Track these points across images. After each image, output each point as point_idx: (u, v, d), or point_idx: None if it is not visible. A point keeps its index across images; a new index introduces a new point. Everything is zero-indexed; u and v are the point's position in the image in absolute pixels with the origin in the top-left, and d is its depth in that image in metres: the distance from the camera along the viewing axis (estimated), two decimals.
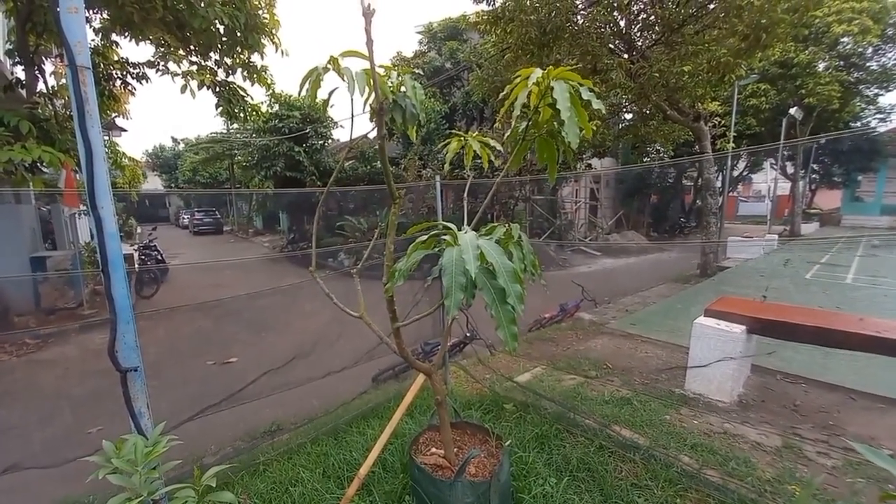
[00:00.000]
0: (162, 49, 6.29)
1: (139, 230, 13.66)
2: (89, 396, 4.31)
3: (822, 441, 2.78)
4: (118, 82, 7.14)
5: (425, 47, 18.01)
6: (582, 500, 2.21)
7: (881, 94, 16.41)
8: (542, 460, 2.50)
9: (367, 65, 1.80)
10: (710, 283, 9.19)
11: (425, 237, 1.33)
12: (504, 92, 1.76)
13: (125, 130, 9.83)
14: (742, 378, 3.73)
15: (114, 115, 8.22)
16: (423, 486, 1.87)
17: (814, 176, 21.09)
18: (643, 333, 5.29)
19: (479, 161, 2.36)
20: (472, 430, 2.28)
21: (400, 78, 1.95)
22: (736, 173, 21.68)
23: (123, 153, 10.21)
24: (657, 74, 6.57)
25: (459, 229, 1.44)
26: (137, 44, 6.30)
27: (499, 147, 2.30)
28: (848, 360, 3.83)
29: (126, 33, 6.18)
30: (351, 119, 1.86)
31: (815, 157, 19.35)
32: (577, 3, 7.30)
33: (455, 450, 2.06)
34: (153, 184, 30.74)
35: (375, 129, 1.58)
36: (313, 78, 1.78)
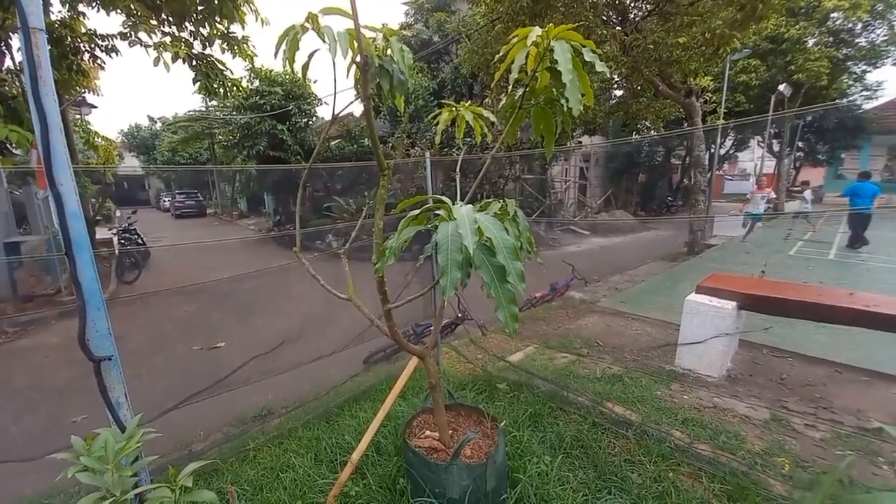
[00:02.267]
0: (133, 18, 5.86)
1: (118, 213, 13.19)
2: (72, 384, 4.18)
3: (809, 414, 2.83)
4: (86, 55, 6.68)
5: (412, 19, 17.35)
6: (576, 477, 2.20)
7: (869, 71, 16.47)
8: (537, 439, 2.49)
9: (349, 24, 1.65)
10: (697, 260, 9.30)
11: (417, 212, 1.22)
12: (500, 54, 1.63)
13: (95, 107, 9.31)
14: (730, 353, 3.77)
15: (83, 91, 7.74)
16: (418, 470, 1.82)
17: (798, 154, 21.30)
18: (633, 311, 5.32)
19: (469, 139, 2.24)
20: (466, 411, 2.24)
21: (387, 41, 1.80)
22: (722, 151, 21.77)
23: (96, 132, 9.72)
24: (651, 46, 6.41)
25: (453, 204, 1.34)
26: (108, 13, 5.85)
27: (493, 118, 2.18)
28: (835, 334, 3.90)
29: (94, 3, 5.73)
30: (334, 85, 1.71)
31: (800, 134, 19.48)
32: None
33: (450, 432, 2.02)
34: (130, 165, 29.61)
35: (360, 91, 1.43)
36: (290, 38, 1.62)
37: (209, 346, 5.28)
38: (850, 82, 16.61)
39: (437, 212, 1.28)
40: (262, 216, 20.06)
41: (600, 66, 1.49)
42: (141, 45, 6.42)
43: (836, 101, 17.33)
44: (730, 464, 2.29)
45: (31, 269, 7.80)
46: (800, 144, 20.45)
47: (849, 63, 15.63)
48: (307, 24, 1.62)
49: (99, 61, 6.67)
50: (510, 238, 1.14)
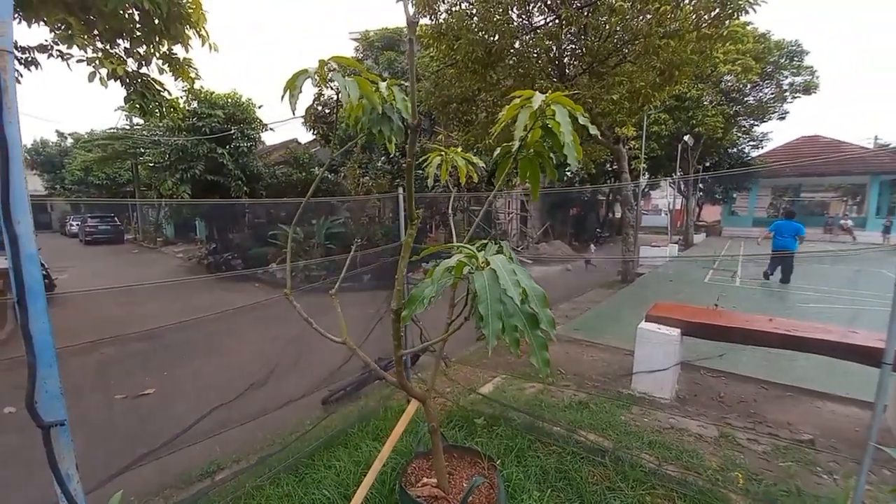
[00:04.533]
0: (61, 32, 5.34)
1: None
2: None
3: (749, 429, 3.19)
4: None
5: (361, 55, 17.71)
6: None
7: (756, 125, 19.78)
8: (523, 474, 2.52)
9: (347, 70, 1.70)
10: (632, 287, 10.17)
11: (453, 261, 1.26)
12: (502, 112, 1.77)
13: None
14: (676, 375, 4.15)
15: None
16: None
17: (700, 194, 24.66)
18: (587, 338, 5.65)
19: (422, 172, 2.33)
20: (458, 452, 2.22)
21: (390, 90, 1.88)
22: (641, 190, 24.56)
23: None
24: (590, 100, 7.20)
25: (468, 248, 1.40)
26: (30, 26, 5.28)
27: (481, 164, 2.31)
28: (754, 354, 4.47)
29: (17, 15, 5.15)
30: (335, 119, 1.73)
31: (701, 179, 22.69)
32: (517, 28, 7.74)
33: (447, 477, 1.98)
34: (32, 185, 25.82)
35: (409, 146, 1.47)
36: (301, 82, 1.63)
37: (135, 394, 4.65)
38: (740, 134, 19.80)
39: (461, 258, 1.33)
40: (192, 243, 18.42)
41: (593, 130, 1.69)
42: (63, 59, 5.85)
43: (728, 150, 20.55)
44: (696, 482, 2.49)
45: None
46: (700, 186, 23.72)
47: (738, 118, 18.67)
48: (318, 71, 1.64)
49: (17, 74, 5.93)
50: (539, 287, 1.22)
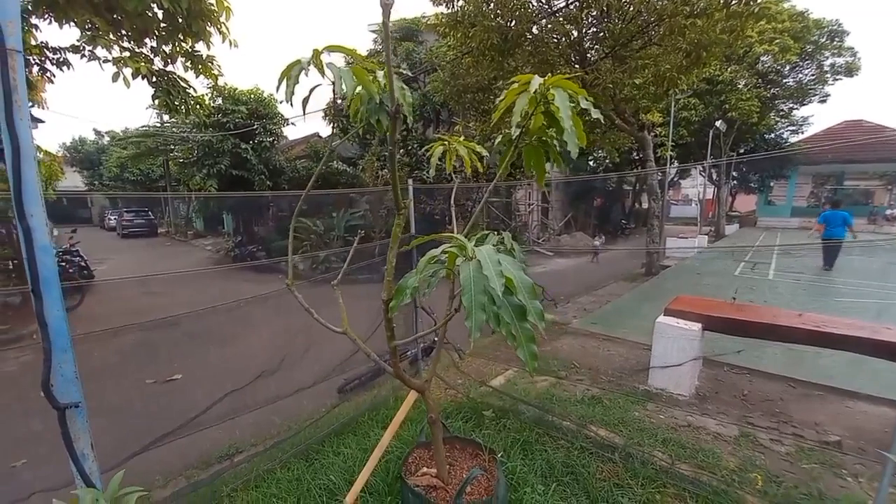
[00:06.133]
0: (89, 33, 5.56)
1: (56, 233, 12.08)
2: (7, 425, 3.70)
3: (773, 428, 3.04)
4: (35, 69, 6.23)
5: (380, 46, 17.66)
6: None
7: (796, 108, 18.56)
8: (528, 467, 2.50)
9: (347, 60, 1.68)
10: (655, 280, 9.85)
11: (438, 251, 1.24)
12: (500, 98, 1.71)
13: (42, 122, 8.64)
14: (697, 371, 4.00)
15: (29, 104, 7.17)
16: None
17: (734, 182, 23.47)
18: (604, 332, 5.52)
19: (441, 163, 2.30)
20: (461, 444, 2.21)
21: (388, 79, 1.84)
22: (668, 179, 23.58)
23: (38, 147, 8.99)
24: (611, 85, 6.93)
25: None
26: (61, 27, 5.53)
27: (484, 152, 2.26)
28: (784, 351, 4.24)
29: (48, 15, 5.40)
30: (332, 116, 1.72)
31: (734, 166, 21.57)
32: (535, 13, 7.51)
33: (447, 467, 1.98)
34: (72, 181, 27.39)
35: (389, 134, 1.46)
36: (295, 73, 1.62)
37: (163, 378, 4.88)
38: (778, 119, 18.65)
39: (450, 248, 1.30)
40: (220, 236, 19.11)
41: (595, 114, 1.61)
42: (96, 59, 6.09)
43: (765, 135, 19.40)
44: (710, 482, 2.40)
45: None
46: (734, 174, 22.57)
47: (777, 101, 17.57)
48: (311, 61, 1.63)
49: (48, 74, 6.25)
50: (528, 278, 1.18)
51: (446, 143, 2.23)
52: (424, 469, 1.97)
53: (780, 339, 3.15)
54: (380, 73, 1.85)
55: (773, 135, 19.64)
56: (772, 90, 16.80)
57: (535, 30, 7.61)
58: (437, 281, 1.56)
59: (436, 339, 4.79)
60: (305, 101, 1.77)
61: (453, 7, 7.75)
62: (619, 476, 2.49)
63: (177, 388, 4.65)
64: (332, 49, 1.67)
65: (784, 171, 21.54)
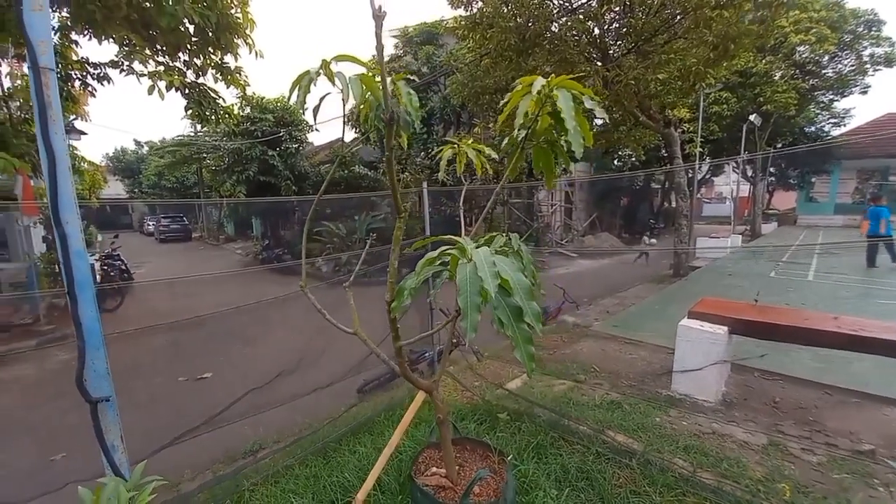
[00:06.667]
0: (126, 48, 5.94)
1: (100, 238, 12.91)
2: (49, 419, 3.98)
3: (804, 437, 2.88)
4: (77, 83, 6.71)
5: (401, 51, 17.92)
6: None
7: (836, 100, 17.51)
8: (542, 472, 2.47)
9: (358, 69, 1.73)
10: (683, 282, 9.50)
11: (436, 253, 1.26)
12: (504, 100, 1.72)
13: (84, 133, 9.25)
14: (724, 377, 3.83)
15: (72, 117, 7.72)
16: None
17: (771, 179, 22.30)
18: (626, 335, 5.37)
19: (452, 167, 2.31)
20: (471, 445, 2.22)
21: (395, 84, 1.89)
22: (699, 176, 22.65)
23: (82, 157, 9.62)
24: (633, 82, 6.76)
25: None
26: (100, 43, 5.94)
27: (494, 155, 2.27)
28: (818, 356, 4.01)
29: (87, 32, 5.80)
30: (343, 127, 1.77)
31: (771, 161, 20.51)
32: (554, 11, 7.43)
33: (456, 468, 1.99)
34: (114, 189, 29.14)
35: (385, 139, 1.50)
36: (305, 83, 1.68)
37: (195, 377, 5.12)
38: (818, 111, 17.62)
39: (450, 251, 1.32)
40: (250, 240, 19.85)
41: (600, 113, 1.59)
42: (133, 73, 6.49)
43: (805, 128, 18.34)
44: (734, 492, 2.30)
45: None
46: (771, 170, 21.44)
47: (816, 93, 16.63)
48: (320, 71, 1.69)
49: (90, 88, 6.70)
50: (526, 279, 1.18)
51: (455, 146, 2.24)
52: (434, 469, 1.99)
53: (813, 343, 2.99)
54: (388, 80, 1.89)
55: (813, 128, 18.56)
56: (810, 81, 15.91)
57: (553, 28, 7.53)
58: (441, 282, 1.58)
59: (454, 341, 4.83)
60: (316, 110, 1.84)
61: (471, 9, 7.77)
62: (636, 483, 2.43)
63: (205, 387, 4.86)
64: (339, 59, 1.73)
65: (826, 165, 20.27)
